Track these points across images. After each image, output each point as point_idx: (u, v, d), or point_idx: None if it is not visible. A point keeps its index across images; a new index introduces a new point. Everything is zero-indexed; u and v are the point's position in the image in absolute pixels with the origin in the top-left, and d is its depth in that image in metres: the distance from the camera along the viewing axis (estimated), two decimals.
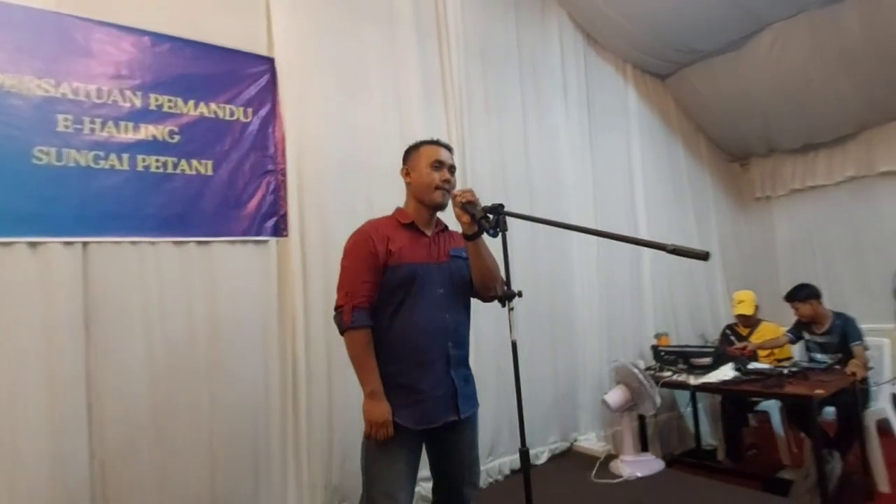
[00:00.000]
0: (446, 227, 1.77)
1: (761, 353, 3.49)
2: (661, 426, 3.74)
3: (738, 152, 5.08)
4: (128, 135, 2.12)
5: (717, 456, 3.65)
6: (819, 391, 2.56)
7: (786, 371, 2.93)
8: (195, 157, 2.27)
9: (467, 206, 1.52)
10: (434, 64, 3.09)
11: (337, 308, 1.61)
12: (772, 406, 3.48)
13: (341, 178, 2.63)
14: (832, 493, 2.58)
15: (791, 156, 4.73)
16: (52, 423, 1.85)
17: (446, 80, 3.12)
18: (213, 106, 2.34)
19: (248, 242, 2.38)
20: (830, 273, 4.44)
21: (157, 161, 2.18)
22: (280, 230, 2.46)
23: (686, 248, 1.24)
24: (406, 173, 1.73)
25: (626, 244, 3.84)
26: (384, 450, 1.53)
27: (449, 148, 1.75)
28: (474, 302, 1.78)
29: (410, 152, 1.75)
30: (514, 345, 1.46)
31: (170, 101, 2.23)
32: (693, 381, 3.05)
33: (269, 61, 2.51)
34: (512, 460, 3.09)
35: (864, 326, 3.22)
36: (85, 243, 1.98)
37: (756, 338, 3.63)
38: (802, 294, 3.34)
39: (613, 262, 3.84)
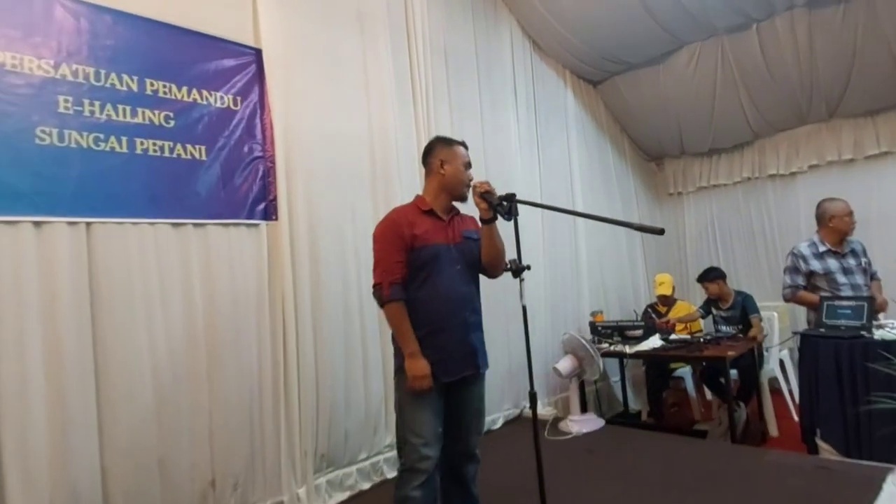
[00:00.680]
0: (458, 212, 2.01)
1: (678, 326, 4.08)
2: (596, 394, 4.24)
3: (655, 153, 5.72)
4: (126, 118, 2.16)
5: (641, 417, 4.21)
6: (731, 352, 3.14)
7: (702, 339, 3.52)
8: (189, 141, 2.35)
9: (486, 195, 1.79)
10: (404, 62, 3.31)
11: (375, 285, 1.83)
12: (686, 373, 4.09)
13: (326, 166, 2.80)
14: (739, 437, 3.17)
15: (699, 158, 5.43)
16: (61, 403, 1.89)
17: (414, 77, 3.35)
18: (204, 93, 2.42)
19: (241, 225, 2.49)
20: (728, 258, 5.19)
21: (155, 145, 2.24)
22: (270, 214, 2.59)
23: (648, 225, 1.62)
24: (440, 165, 1.92)
25: (566, 235, 4.33)
26: (418, 398, 1.77)
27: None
28: None
29: (442, 147, 1.95)
30: (524, 309, 1.77)
31: (164, 86, 2.29)
32: (628, 350, 3.55)
33: (257, 52, 2.61)
34: (494, 418, 3.56)
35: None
36: (88, 223, 2.02)
37: (673, 314, 4.22)
38: (712, 275, 3.96)
39: (556, 249, 4.27)
